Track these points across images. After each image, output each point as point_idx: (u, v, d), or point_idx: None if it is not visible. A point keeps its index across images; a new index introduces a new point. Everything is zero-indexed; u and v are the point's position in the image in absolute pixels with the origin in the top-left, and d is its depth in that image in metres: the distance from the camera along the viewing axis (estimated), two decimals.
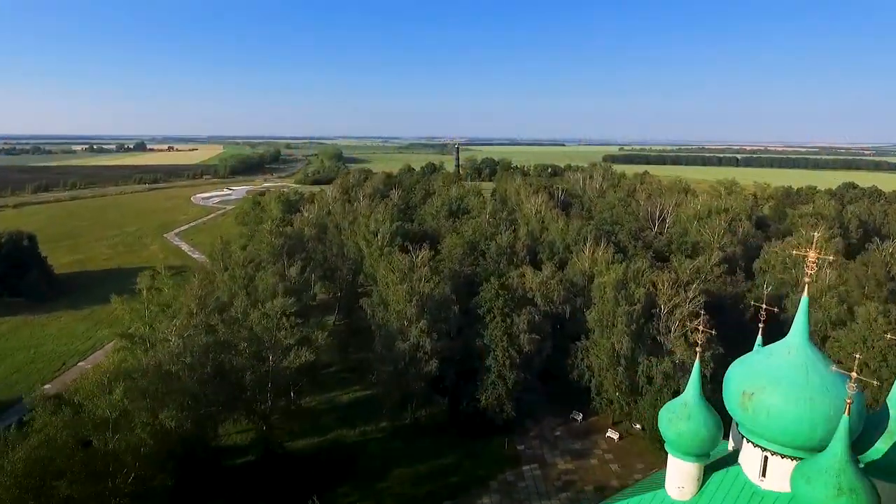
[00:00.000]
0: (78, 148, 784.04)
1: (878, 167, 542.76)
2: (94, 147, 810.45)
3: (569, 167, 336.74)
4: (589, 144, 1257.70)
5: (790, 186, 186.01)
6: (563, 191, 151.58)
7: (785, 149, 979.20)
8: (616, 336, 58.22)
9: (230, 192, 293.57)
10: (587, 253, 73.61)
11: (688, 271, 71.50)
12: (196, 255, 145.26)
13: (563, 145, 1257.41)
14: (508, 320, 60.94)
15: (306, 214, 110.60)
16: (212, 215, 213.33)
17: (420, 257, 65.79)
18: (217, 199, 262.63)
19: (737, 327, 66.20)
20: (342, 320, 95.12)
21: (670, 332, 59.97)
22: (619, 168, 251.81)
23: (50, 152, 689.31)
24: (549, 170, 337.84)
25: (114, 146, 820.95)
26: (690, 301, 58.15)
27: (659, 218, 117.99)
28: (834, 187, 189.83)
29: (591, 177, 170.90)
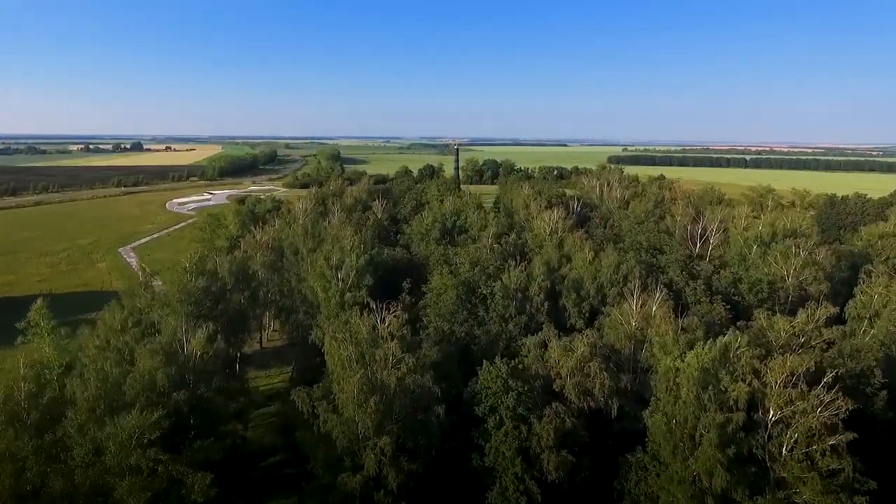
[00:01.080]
0: (74, 148, 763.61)
1: (889, 169, 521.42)
2: (91, 147, 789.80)
3: (576, 169, 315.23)
4: (592, 145, 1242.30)
5: (834, 194, 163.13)
6: (578, 200, 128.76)
7: (790, 149, 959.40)
8: (701, 462, 35.68)
9: (210, 196, 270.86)
10: (635, 305, 50.68)
11: (783, 333, 49.08)
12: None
13: (566, 146, 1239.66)
14: (524, 428, 38.49)
15: (259, 236, 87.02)
16: (180, 225, 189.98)
17: (389, 322, 42.94)
18: (193, 205, 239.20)
19: (866, 428, 43.19)
20: (299, 375, 72.62)
21: (783, 450, 37.41)
22: (627, 170, 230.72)
23: (45, 152, 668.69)
24: (556, 172, 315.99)
25: (110, 146, 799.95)
26: (824, 407, 35.41)
27: (701, 238, 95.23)
28: (885, 195, 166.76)
29: (608, 184, 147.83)
